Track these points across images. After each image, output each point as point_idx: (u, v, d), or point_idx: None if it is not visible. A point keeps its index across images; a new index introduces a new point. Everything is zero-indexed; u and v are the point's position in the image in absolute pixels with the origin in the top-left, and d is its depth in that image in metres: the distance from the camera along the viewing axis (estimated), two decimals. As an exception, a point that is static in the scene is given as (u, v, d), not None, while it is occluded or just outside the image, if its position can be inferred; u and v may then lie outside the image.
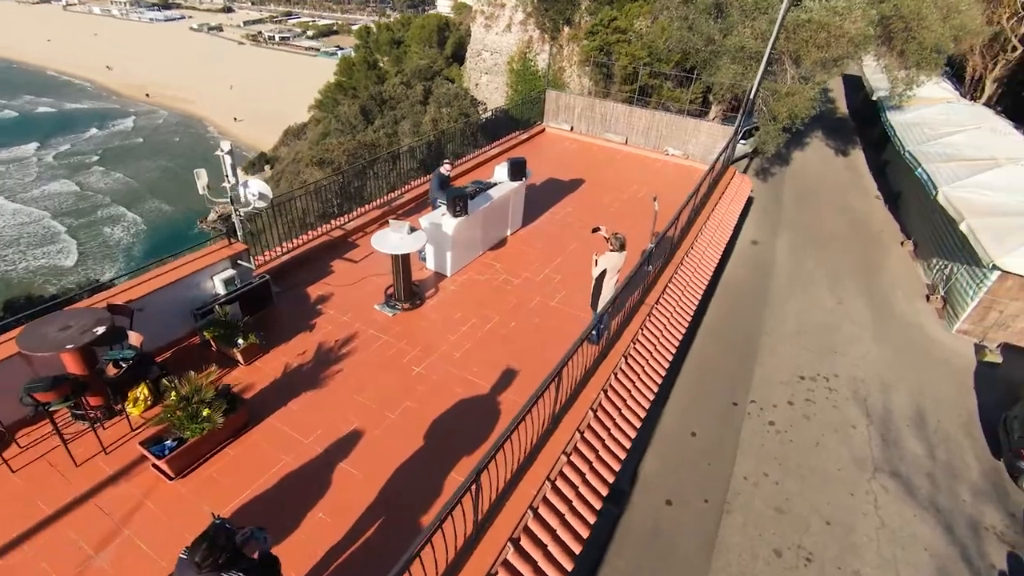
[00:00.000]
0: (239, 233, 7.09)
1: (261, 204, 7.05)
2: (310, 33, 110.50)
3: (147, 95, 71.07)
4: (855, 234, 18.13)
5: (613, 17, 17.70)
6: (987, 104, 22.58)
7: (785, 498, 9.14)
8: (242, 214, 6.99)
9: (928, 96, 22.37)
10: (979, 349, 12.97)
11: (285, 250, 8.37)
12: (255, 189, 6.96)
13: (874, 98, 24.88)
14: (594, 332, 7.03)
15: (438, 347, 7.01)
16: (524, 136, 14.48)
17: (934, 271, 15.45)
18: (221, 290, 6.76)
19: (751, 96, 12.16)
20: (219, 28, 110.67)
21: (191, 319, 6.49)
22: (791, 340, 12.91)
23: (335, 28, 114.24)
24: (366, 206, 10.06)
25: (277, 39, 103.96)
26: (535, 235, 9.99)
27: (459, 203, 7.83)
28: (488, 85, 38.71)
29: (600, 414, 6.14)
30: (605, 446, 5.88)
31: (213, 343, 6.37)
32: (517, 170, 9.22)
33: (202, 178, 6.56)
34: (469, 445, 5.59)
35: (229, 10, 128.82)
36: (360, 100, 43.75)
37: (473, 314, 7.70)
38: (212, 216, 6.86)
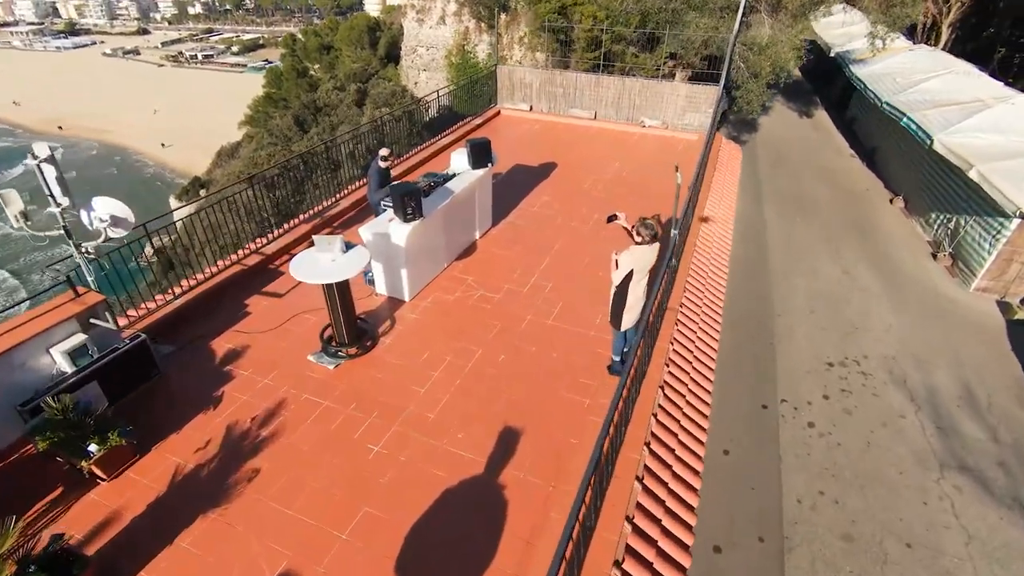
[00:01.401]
0: (88, 278, 4.84)
1: (118, 232, 4.82)
2: (235, 49, 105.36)
3: (60, 128, 65.63)
4: (840, 196, 16.95)
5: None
6: (945, 50, 21.97)
7: (851, 520, 7.51)
8: (89, 250, 4.74)
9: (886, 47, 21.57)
10: (1005, 307, 11.80)
11: (179, 292, 6.12)
12: (104, 211, 4.73)
13: (832, 55, 24.08)
14: (618, 359, 5.13)
15: (403, 407, 4.96)
16: (478, 120, 12.47)
17: (934, 227, 14.32)
18: (66, 367, 4.51)
19: (731, 48, 10.51)
20: (135, 51, 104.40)
21: (17, 419, 4.23)
22: (806, 320, 11.40)
23: (261, 42, 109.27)
24: (292, 220, 7.86)
25: (200, 58, 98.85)
26: (510, 235, 8.02)
27: (410, 202, 5.78)
28: (428, 82, 36.47)
29: (649, 481, 4.23)
30: (665, 532, 3.97)
31: (56, 454, 4.13)
32: (480, 154, 7.23)
33: (12, 204, 4.30)
34: (473, 572, 3.59)
35: (145, 31, 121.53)
36: (292, 110, 40.82)
37: (446, 350, 5.67)
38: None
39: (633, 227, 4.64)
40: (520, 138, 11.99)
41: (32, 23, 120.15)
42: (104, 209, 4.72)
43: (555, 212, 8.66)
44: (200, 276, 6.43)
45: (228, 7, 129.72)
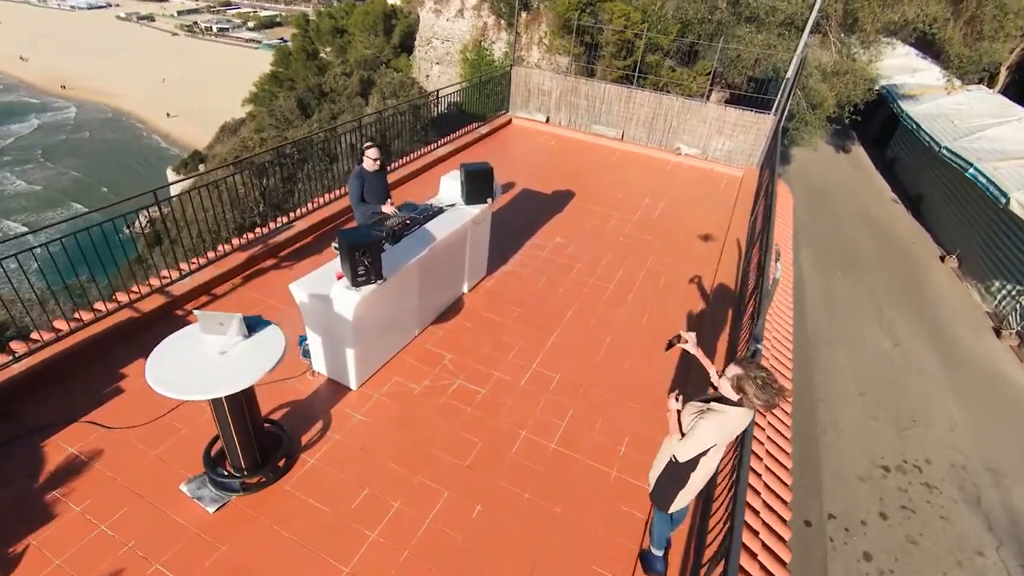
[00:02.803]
0: None
1: None
2: (251, 24, 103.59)
3: (63, 87, 63.81)
4: (884, 248, 15.08)
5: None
6: (1002, 93, 20.17)
7: None
8: None
9: (931, 84, 19.76)
10: (1090, 406, 10.00)
11: (28, 348, 4.22)
12: None
13: (877, 87, 22.19)
14: (659, 553, 3.25)
15: (310, 604, 3.07)
16: (485, 129, 10.57)
17: (997, 297, 12.47)
18: None
19: (796, 71, 8.63)
20: (150, 17, 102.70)
21: None
22: (853, 404, 9.54)
23: (278, 20, 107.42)
24: (222, 246, 5.94)
25: (215, 30, 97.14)
26: (509, 291, 6.12)
27: (363, 259, 3.88)
28: (440, 76, 34.67)
29: None
30: None
31: None
32: (478, 186, 5.34)
33: None
34: None
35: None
36: (297, 92, 39.04)
37: (395, 488, 3.78)
38: None
39: (732, 378, 2.63)
40: (533, 155, 10.09)
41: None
42: None
43: (569, 260, 6.76)
44: (64, 325, 4.52)
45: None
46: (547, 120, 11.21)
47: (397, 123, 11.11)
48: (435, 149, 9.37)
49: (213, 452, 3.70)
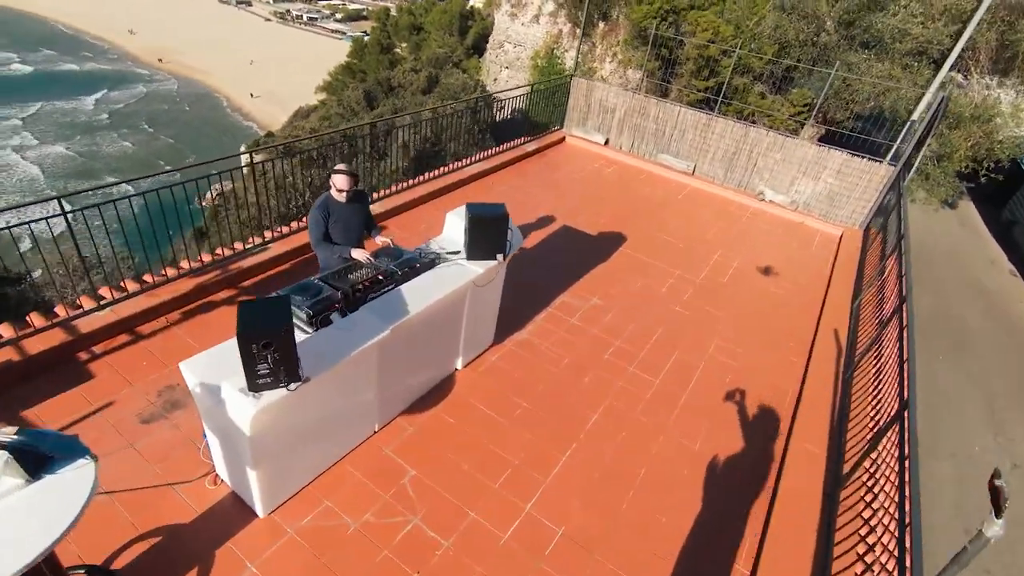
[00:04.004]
0: None
1: None
2: (338, 16, 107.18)
3: (160, 60, 67.69)
4: (1000, 330, 12.51)
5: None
6: None
7: None
8: None
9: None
10: None
11: None
12: None
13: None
14: None
15: None
16: (533, 146, 9.12)
17: None
18: None
19: (939, 113, 6.68)
20: (248, 2, 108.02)
21: None
22: (958, 543, 7.40)
23: (364, 14, 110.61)
24: (168, 269, 4.76)
25: (304, 18, 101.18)
26: (517, 371, 4.61)
27: (265, 353, 2.49)
28: (508, 81, 33.65)
29: None
30: None
31: None
32: (486, 236, 3.87)
33: None
34: None
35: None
36: (366, 84, 39.19)
37: None
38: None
39: None
40: (583, 182, 8.55)
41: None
42: None
43: (606, 332, 5.19)
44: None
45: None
46: (606, 142, 9.63)
47: (454, 124, 9.92)
48: (468, 165, 8.00)
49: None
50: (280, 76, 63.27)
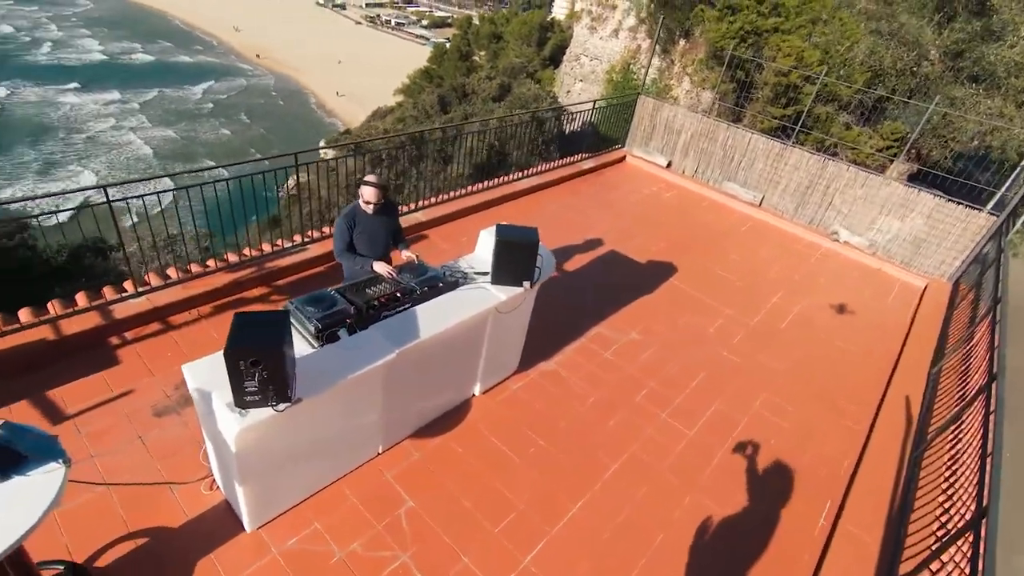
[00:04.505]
0: None
1: None
2: (425, 22, 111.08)
3: (257, 56, 72.49)
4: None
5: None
6: None
7: None
8: None
9: None
10: None
11: None
12: None
13: None
14: None
15: None
16: (589, 164, 8.83)
17: None
18: None
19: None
20: (342, 6, 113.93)
21: None
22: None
23: (449, 21, 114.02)
24: (194, 265, 4.84)
25: (393, 23, 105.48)
26: (537, 403, 4.34)
27: (254, 370, 2.37)
28: (581, 94, 33.50)
29: None
30: None
31: None
32: (513, 261, 3.64)
33: None
34: None
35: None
36: (442, 89, 40.17)
37: None
38: None
39: None
40: (639, 205, 8.16)
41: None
42: None
43: (641, 372, 4.82)
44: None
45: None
46: (668, 165, 9.18)
47: (519, 133, 9.85)
48: (521, 178, 7.82)
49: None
50: (364, 77, 66.22)
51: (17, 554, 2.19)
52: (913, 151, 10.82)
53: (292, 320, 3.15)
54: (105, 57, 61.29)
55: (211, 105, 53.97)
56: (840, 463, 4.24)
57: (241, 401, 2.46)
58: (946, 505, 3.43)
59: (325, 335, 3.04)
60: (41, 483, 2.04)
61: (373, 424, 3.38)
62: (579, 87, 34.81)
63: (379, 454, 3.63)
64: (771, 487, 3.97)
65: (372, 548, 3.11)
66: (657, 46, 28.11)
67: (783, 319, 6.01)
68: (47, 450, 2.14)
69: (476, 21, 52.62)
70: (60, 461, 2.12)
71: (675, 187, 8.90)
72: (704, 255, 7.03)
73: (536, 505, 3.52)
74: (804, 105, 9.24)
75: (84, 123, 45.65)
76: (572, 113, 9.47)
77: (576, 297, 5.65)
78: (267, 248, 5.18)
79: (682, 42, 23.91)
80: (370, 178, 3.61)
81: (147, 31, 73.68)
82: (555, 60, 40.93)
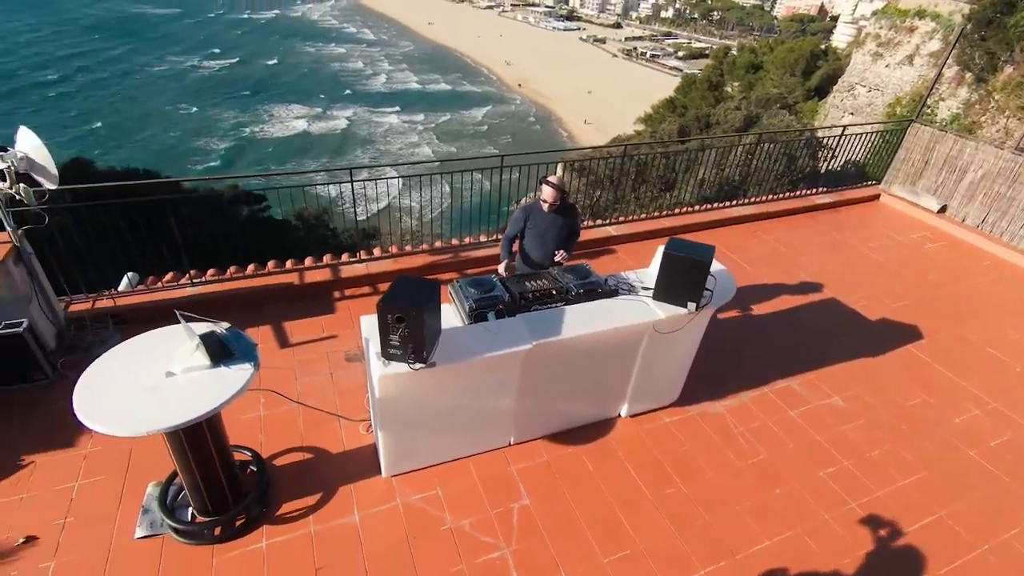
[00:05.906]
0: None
1: (42, 183, 3.36)
2: (680, 54, 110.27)
3: (519, 85, 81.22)
4: None
5: None
6: None
7: None
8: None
9: None
10: None
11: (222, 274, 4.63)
12: (27, 147, 3.29)
13: None
14: None
15: None
16: (826, 199, 7.59)
17: None
18: None
19: None
20: (602, 40, 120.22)
21: None
22: None
23: (706, 52, 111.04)
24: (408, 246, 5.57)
25: (648, 55, 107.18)
26: (686, 447, 3.86)
27: (397, 328, 2.64)
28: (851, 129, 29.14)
29: None
30: None
31: None
32: (679, 277, 3.33)
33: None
34: None
35: (618, 26, 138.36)
36: (684, 119, 39.31)
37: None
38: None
39: None
40: (887, 251, 6.69)
41: (547, 6, 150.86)
42: (27, 145, 3.26)
43: (832, 444, 3.92)
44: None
45: (695, 16, 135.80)
46: (941, 210, 7.32)
47: (764, 167, 8.71)
48: (736, 205, 7.14)
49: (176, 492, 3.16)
50: (611, 106, 68.74)
51: (216, 429, 2.83)
52: None
53: (452, 296, 3.43)
54: (419, 87, 76.31)
55: (486, 127, 63.05)
56: None
57: (386, 352, 2.76)
58: None
59: (475, 315, 3.22)
60: (236, 375, 2.60)
61: (506, 412, 3.45)
62: (848, 120, 30.37)
63: (509, 445, 3.68)
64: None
65: (479, 530, 3.16)
66: (967, 74, 22.98)
67: (1089, 434, 4.25)
68: (248, 354, 2.72)
69: (735, 51, 50.15)
70: (252, 364, 2.67)
71: (946, 237, 7.06)
72: (969, 325, 5.41)
73: (655, 553, 3.14)
74: None
75: (397, 136, 58.78)
76: (831, 149, 8.15)
77: (768, 340, 4.90)
78: (467, 240, 5.74)
79: (1008, 69, 19.17)
80: (551, 179, 3.73)
81: (444, 65, 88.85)
82: (823, 91, 36.48)
